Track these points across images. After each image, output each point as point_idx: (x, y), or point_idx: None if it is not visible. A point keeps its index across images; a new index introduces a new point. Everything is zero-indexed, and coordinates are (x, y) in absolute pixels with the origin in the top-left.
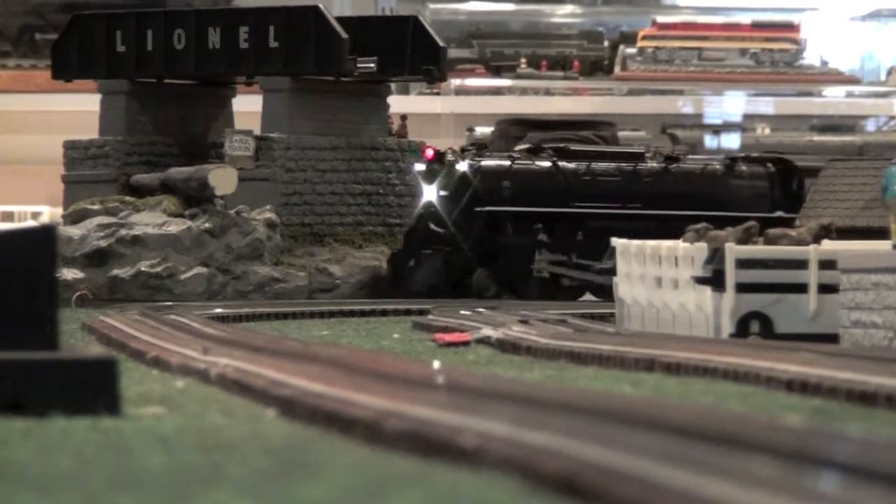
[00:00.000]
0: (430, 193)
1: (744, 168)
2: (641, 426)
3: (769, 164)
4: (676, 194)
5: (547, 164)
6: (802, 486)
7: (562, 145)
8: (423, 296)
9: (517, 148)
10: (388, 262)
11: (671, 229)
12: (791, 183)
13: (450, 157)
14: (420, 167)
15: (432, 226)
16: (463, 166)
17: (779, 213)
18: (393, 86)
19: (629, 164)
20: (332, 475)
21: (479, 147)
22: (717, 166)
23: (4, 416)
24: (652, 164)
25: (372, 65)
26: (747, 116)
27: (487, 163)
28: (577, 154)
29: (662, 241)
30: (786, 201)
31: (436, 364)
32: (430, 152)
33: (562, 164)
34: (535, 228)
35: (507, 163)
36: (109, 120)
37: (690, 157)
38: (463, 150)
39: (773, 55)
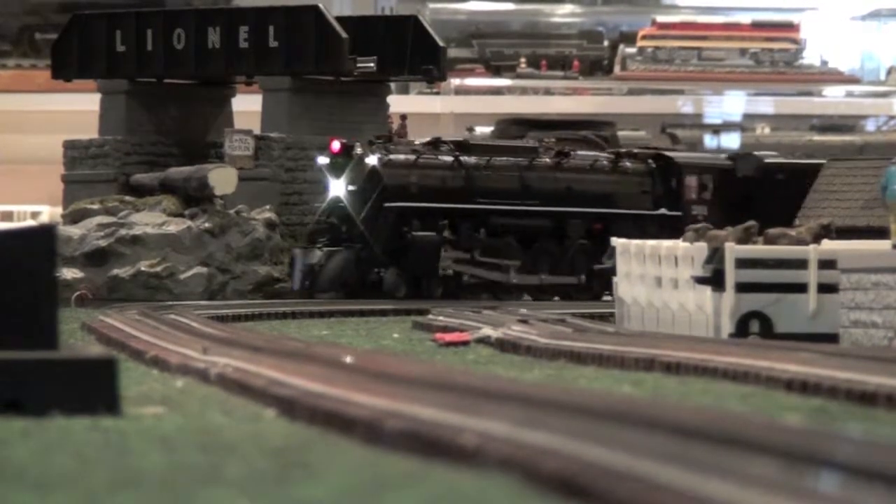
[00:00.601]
0: (337, 188)
1: (628, 165)
2: (641, 426)
3: (650, 161)
4: (568, 191)
5: (449, 158)
6: (802, 486)
7: (461, 139)
8: (333, 296)
9: (417, 141)
10: (288, 262)
11: (564, 227)
12: (671, 180)
13: (358, 150)
14: (323, 160)
15: (336, 222)
16: (372, 160)
17: (662, 211)
18: (393, 85)
19: (525, 158)
20: (331, 475)
21: (387, 139)
22: (605, 163)
23: (4, 416)
24: (545, 160)
25: (372, 64)
26: (747, 116)
27: (396, 157)
28: (476, 148)
29: (662, 241)
30: (668, 198)
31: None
32: (336, 145)
33: (463, 158)
34: (440, 225)
35: (413, 157)
36: (109, 120)
37: (580, 153)
38: (371, 142)
39: (773, 55)
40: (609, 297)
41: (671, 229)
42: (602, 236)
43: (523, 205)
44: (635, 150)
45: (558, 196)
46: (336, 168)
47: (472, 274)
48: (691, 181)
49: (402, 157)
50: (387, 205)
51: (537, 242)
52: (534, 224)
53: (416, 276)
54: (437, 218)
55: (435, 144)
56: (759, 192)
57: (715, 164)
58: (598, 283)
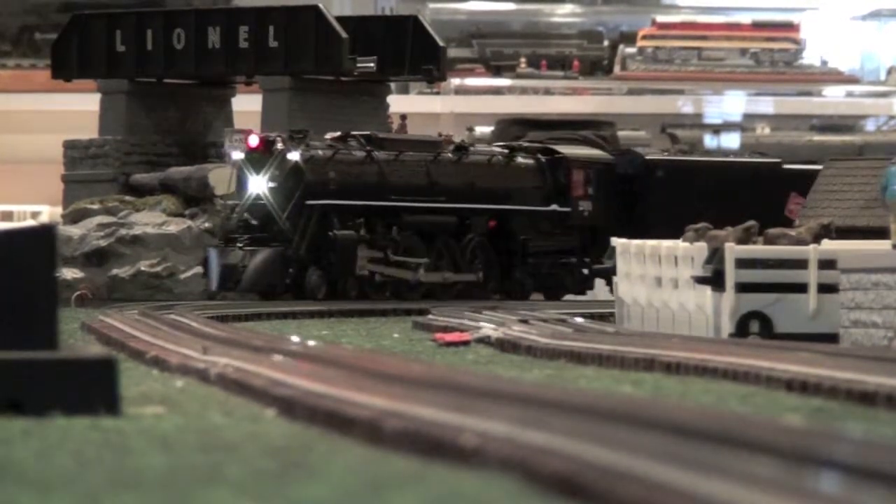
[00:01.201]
0: (257, 185)
1: (521, 160)
2: (641, 426)
3: (539, 156)
4: (471, 187)
5: (362, 153)
6: (802, 486)
7: (369, 132)
8: (255, 297)
9: (327, 136)
10: (201, 263)
11: (468, 224)
12: (559, 175)
13: (279, 145)
14: (238, 156)
15: (253, 220)
16: (294, 155)
17: (553, 207)
18: (393, 85)
19: (430, 153)
20: (331, 475)
21: (306, 133)
22: (501, 158)
23: (4, 416)
24: (448, 155)
25: (372, 64)
26: (747, 116)
27: (317, 152)
28: (386, 142)
29: (662, 241)
30: (557, 194)
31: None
32: (254, 139)
33: (376, 154)
34: (356, 223)
35: (331, 152)
36: (109, 120)
37: (479, 146)
38: (291, 136)
39: (773, 55)
40: (498, 297)
41: (561, 226)
42: (497, 233)
43: (432, 201)
44: (524, 144)
45: (463, 192)
46: (255, 164)
47: (382, 273)
48: (578, 176)
49: (320, 152)
50: (309, 202)
51: (438, 240)
52: (441, 221)
53: (336, 277)
54: (354, 216)
55: (344, 139)
56: (640, 189)
57: (598, 160)
58: (497, 282)
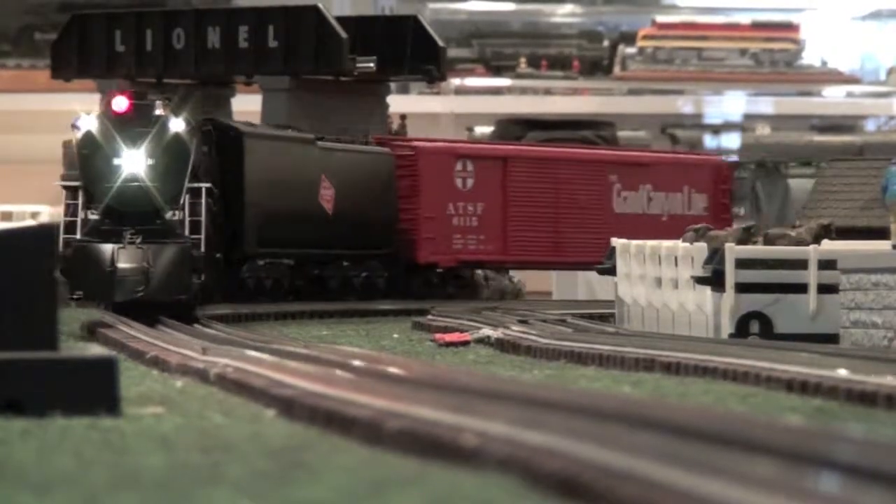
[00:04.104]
0: (133, 163)
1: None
2: (641, 426)
3: (207, 126)
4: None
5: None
6: (802, 486)
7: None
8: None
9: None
10: (62, 270)
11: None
12: (213, 151)
13: (159, 111)
14: (88, 123)
15: (125, 209)
16: (177, 125)
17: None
18: (393, 85)
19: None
20: (331, 476)
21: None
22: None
23: (4, 416)
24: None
25: (371, 64)
26: (747, 116)
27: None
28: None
29: (662, 241)
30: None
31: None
32: (122, 102)
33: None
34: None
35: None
36: None
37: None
38: (169, 99)
39: (773, 55)
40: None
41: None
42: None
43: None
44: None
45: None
46: (125, 136)
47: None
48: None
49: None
50: (192, 185)
51: None
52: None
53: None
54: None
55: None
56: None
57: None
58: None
